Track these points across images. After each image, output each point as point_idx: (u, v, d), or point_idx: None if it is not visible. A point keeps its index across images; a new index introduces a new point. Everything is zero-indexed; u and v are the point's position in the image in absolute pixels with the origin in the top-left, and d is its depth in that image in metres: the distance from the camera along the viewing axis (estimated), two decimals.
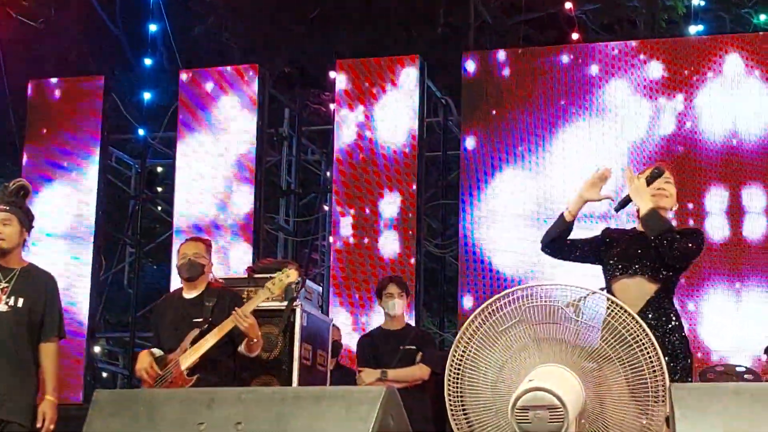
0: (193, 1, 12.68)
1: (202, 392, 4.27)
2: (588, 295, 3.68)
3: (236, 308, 6.31)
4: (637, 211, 5.15)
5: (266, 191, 12.12)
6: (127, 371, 13.20)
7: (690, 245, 5.07)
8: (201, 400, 3.81)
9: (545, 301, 3.71)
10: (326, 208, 12.94)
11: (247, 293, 7.03)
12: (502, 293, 3.75)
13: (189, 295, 6.67)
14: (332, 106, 12.34)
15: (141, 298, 12.83)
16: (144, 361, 6.45)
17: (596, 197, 5.17)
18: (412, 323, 9.59)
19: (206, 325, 6.38)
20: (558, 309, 3.69)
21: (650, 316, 4.90)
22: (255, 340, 6.42)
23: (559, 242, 5.27)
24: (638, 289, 5.04)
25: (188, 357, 6.32)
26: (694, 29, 11.53)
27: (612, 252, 5.20)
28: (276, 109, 12.54)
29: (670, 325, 4.97)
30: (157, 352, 6.52)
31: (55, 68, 12.47)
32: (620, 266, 5.12)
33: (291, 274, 6.44)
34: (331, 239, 12.07)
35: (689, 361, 5.01)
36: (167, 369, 6.36)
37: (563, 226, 5.24)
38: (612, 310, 3.68)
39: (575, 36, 11.36)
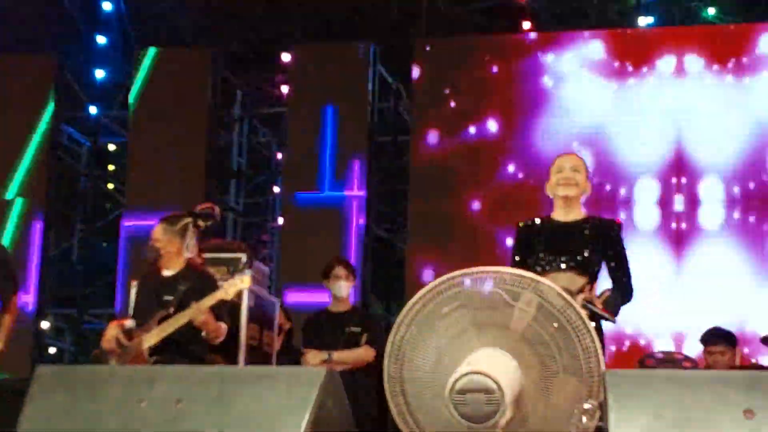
0: None
1: (143, 370, 4.31)
2: (522, 279, 3.74)
3: (193, 302, 6.31)
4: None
5: (217, 172, 12.11)
6: (74, 348, 13.16)
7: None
8: (142, 378, 3.84)
9: (485, 287, 3.76)
10: (276, 189, 12.95)
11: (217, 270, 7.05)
12: (443, 278, 3.80)
13: (166, 272, 6.66)
14: (284, 89, 12.35)
15: (90, 275, 12.78)
16: (110, 332, 6.47)
17: None
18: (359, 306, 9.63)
19: (173, 308, 6.38)
20: (497, 294, 3.75)
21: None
22: (211, 335, 6.42)
23: None
24: (566, 281, 5.04)
25: (151, 337, 6.33)
26: (644, 21, 11.62)
27: (537, 247, 5.28)
28: (228, 90, 12.51)
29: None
30: (129, 323, 6.52)
31: (5, 45, 12.35)
32: (549, 259, 5.22)
33: (246, 280, 6.44)
34: (280, 220, 12.10)
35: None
36: (131, 344, 6.36)
37: None
38: (546, 293, 3.72)
39: (527, 25, 11.42)
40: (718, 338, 7.66)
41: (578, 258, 5.18)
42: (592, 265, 5.21)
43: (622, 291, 5.23)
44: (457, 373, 3.50)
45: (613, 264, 5.32)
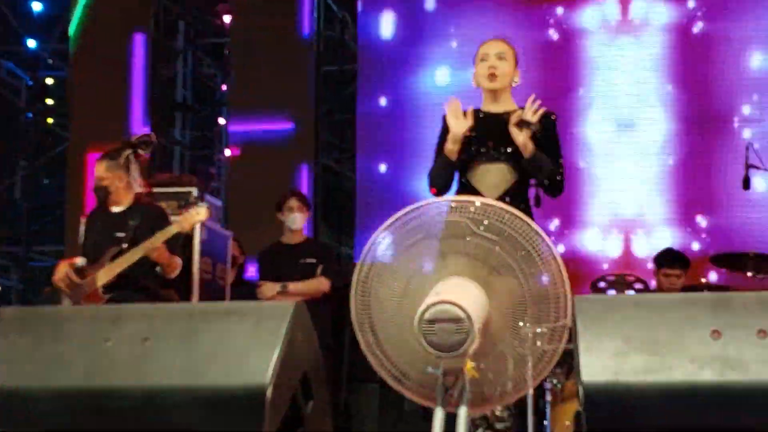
0: None
1: (108, 309, 4.27)
2: (486, 207, 3.73)
3: (148, 237, 6.25)
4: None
5: (161, 105, 11.99)
6: (22, 285, 13.05)
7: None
8: (107, 316, 3.80)
9: (450, 216, 3.75)
10: (222, 121, 12.84)
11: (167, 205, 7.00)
12: (407, 209, 3.78)
13: (115, 209, 6.58)
14: (227, 19, 12.20)
15: (34, 212, 12.65)
16: (61, 269, 6.41)
17: (466, 127, 5.05)
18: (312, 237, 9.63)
19: (126, 244, 6.32)
20: (461, 223, 3.74)
21: (509, 202, 4.72)
22: (167, 269, 6.38)
23: (451, 183, 5.19)
24: (499, 175, 5.06)
25: (105, 274, 6.27)
26: None
27: (471, 138, 5.10)
28: (170, 21, 12.34)
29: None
30: (80, 261, 6.45)
31: None
32: (480, 151, 5.10)
33: (202, 212, 6.38)
34: (227, 152, 12.01)
35: None
36: (84, 281, 6.31)
37: (452, 168, 5.17)
38: (509, 220, 3.72)
39: None
40: (675, 260, 7.75)
41: (510, 150, 5.04)
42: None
43: (552, 178, 5.07)
44: (425, 304, 3.49)
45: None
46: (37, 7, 12.38)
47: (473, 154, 5.10)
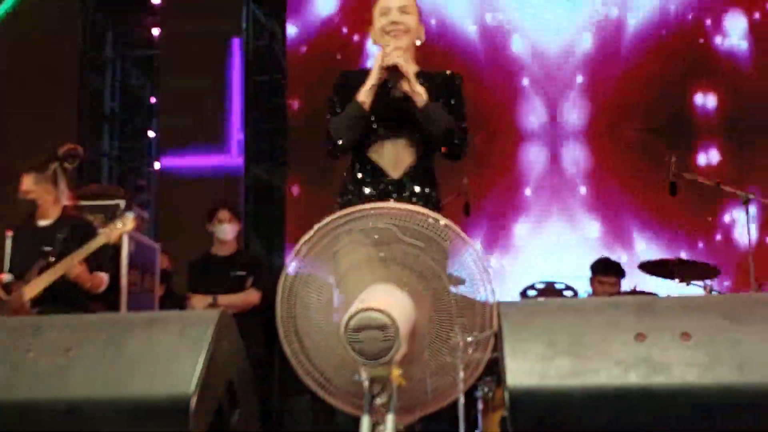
0: None
1: (29, 319, 4.21)
2: (413, 214, 3.72)
3: (73, 251, 6.19)
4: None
5: (89, 117, 11.86)
6: None
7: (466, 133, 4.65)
8: (28, 327, 3.74)
9: (377, 223, 3.74)
10: (151, 134, 12.74)
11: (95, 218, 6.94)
12: (335, 215, 3.77)
13: (42, 222, 6.52)
14: (155, 31, 12.13)
15: None
16: None
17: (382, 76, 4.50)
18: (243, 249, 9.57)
19: (54, 257, 6.25)
20: (388, 230, 3.74)
21: (415, 186, 4.54)
22: (87, 286, 6.32)
23: (358, 138, 4.57)
24: (400, 150, 4.57)
25: (32, 288, 6.20)
26: None
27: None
28: (98, 32, 12.23)
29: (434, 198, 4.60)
30: (6, 277, 6.38)
31: None
32: (380, 125, 4.57)
33: (128, 224, 6.33)
34: (156, 165, 11.92)
35: None
36: (12, 297, 6.22)
37: (365, 120, 4.56)
38: (436, 227, 3.71)
39: None
40: (610, 269, 7.81)
41: (411, 118, 4.51)
42: None
43: (449, 138, 4.53)
44: (351, 311, 3.47)
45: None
46: None
47: (372, 126, 4.57)
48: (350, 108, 4.51)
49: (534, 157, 10.53)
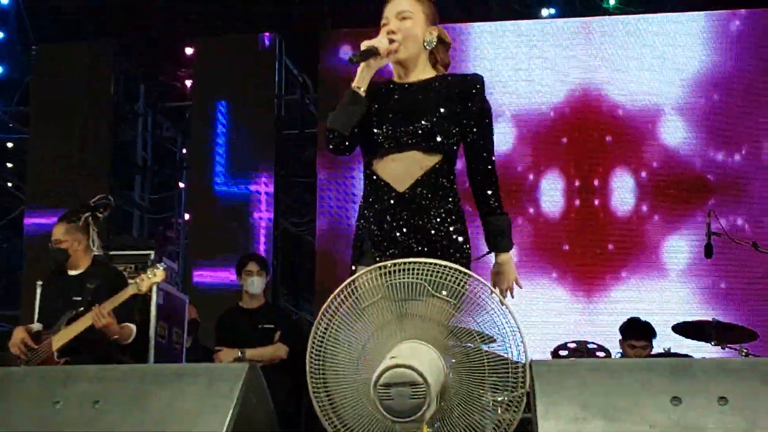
0: None
1: (58, 370, 4.20)
2: (445, 270, 3.68)
3: (96, 305, 6.18)
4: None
5: (121, 168, 11.92)
6: None
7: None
8: (57, 378, 3.73)
9: (407, 278, 3.70)
10: (182, 185, 12.79)
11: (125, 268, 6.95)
12: (365, 270, 3.74)
13: (72, 271, 6.54)
14: (188, 83, 12.21)
15: None
16: (16, 336, 6.33)
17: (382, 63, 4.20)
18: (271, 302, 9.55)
19: (82, 308, 6.25)
20: (420, 285, 3.70)
21: (425, 194, 4.12)
22: (114, 337, 6.30)
23: (353, 125, 4.16)
24: (408, 164, 4.13)
25: (60, 338, 6.20)
26: (546, 12, 11.70)
27: (374, 118, 4.18)
28: (131, 85, 12.32)
29: (448, 207, 4.16)
30: (36, 326, 6.39)
31: None
32: (386, 134, 4.15)
33: (159, 274, 6.33)
34: (186, 216, 11.95)
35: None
36: (40, 346, 6.22)
37: (359, 105, 4.17)
38: (469, 283, 3.66)
39: None
40: (640, 331, 7.68)
41: (420, 126, 4.10)
42: (442, 135, 4.11)
43: (488, 181, 4.20)
44: (381, 367, 3.43)
45: (474, 135, 4.19)
46: None
47: (377, 139, 4.16)
48: (345, 96, 4.20)
49: (564, 209, 10.47)
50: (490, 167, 4.21)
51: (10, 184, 13.19)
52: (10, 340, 6.37)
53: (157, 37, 12.44)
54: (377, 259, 4.06)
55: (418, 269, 3.69)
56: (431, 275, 3.67)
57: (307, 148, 11.96)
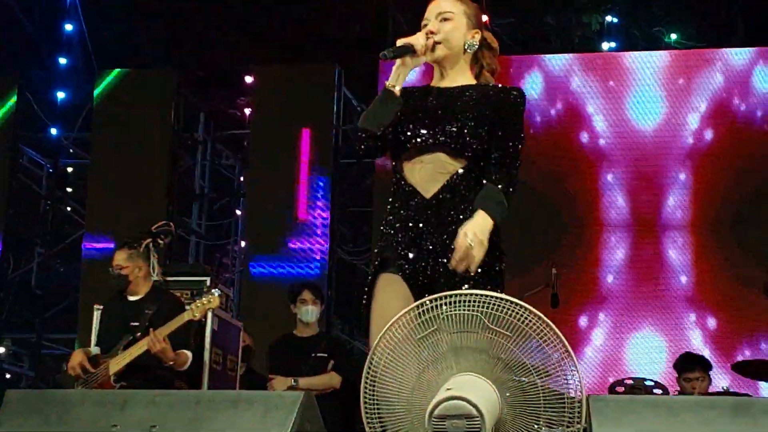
0: (109, 1, 12.53)
1: (115, 394, 4.23)
2: (501, 302, 3.67)
3: (152, 330, 6.23)
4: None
5: (179, 195, 12.01)
6: (32, 373, 12.96)
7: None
8: (114, 402, 3.76)
9: (462, 310, 3.70)
10: (239, 212, 12.86)
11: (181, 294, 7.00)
12: (419, 301, 3.73)
13: (132, 297, 6.61)
14: (247, 111, 12.29)
15: (49, 299, 12.62)
16: (75, 358, 6.40)
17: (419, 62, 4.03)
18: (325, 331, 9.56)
19: (139, 333, 6.30)
20: (476, 318, 3.69)
21: (452, 201, 3.96)
22: (169, 363, 6.34)
23: (386, 124, 3.97)
24: (435, 166, 3.99)
25: (117, 363, 6.26)
26: (606, 46, 11.68)
27: (405, 118, 4.02)
28: (191, 112, 12.43)
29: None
30: (94, 350, 6.46)
31: None
32: (416, 134, 4.00)
33: (214, 301, 6.38)
34: (243, 243, 12.00)
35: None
36: (98, 370, 6.29)
37: (392, 104, 3.98)
38: (525, 316, 3.65)
39: None
40: (695, 364, 7.60)
41: (450, 129, 3.96)
42: (472, 138, 3.95)
43: (505, 183, 3.96)
44: (437, 398, 3.43)
45: (500, 142, 4.00)
46: (61, 96, 12.49)
47: (405, 140, 4.02)
48: (379, 94, 4.03)
49: (622, 248, 10.40)
50: (510, 156, 3.99)
51: (69, 209, 13.33)
52: (69, 362, 6.45)
53: (217, 66, 12.56)
54: (401, 267, 3.96)
55: (474, 301, 3.69)
56: (488, 307, 3.66)
57: (365, 178, 11.99)
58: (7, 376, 13.20)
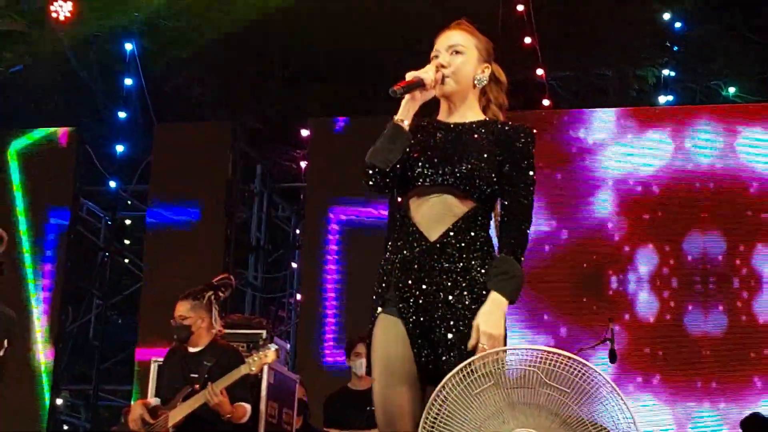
0: (167, 56, 12.70)
1: None
2: (562, 358, 3.65)
3: (210, 383, 6.26)
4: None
5: (236, 247, 12.08)
6: (88, 424, 13.05)
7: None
8: None
9: (520, 365, 3.68)
10: (294, 265, 12.90)
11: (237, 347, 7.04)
12: (476, 356, 3.72)
13: (192, 349, 6.66)
14: (303, 164, 12.36)
15: (106, 351, 12.72)
16: (135, 411, 6.45)
17: (430, 76, 3.89)
18: None
19: (198, 385, 6.34)
20: (532, 373, 3.67)
21: (457, 245, 3.82)
22: (226, 417, 6.36)
23: (393, 161, 3.82)
24: (443, 205, 3.85)
25: (176, 414, 6.29)
26: (663, 99, 11.63)
27: (413, 156, 3.90)
28: (247, 165, 12.53)
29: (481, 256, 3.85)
30: (154, 401, 6.51)
31: (28, 119, 12.47)
32: (425, 173, 3.87)
33: (270, 355, 6.41)
34: (298, 296, 12.03)
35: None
36: (157, 422, 6.32)
37: (400, 140, 3.85)
38: (582, 371, 3.62)
39: (546, 102, 11.37)
40: (761, 427, 7.50)
41: (459, 169, 3.83)
42: (481, 181, 3.83)
43: (514, 242, 3.83)
44: None
45: (509, 187, 3.86)
46: (119, 149, 12.65)
47: (413, 179, 3.89)
48: (386, 129, 3.91)
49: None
50: (522, 207, 3.86)
51: (127, 261, 13.45)
52: (130, 415, 6.49)
53: (273, 119, 12.66)
54: (400, 310, 3.87)
55: (531, 356, 3.67)
56: (546, 362, 3.64)
57: None
58: (65, 427, 13.29)
